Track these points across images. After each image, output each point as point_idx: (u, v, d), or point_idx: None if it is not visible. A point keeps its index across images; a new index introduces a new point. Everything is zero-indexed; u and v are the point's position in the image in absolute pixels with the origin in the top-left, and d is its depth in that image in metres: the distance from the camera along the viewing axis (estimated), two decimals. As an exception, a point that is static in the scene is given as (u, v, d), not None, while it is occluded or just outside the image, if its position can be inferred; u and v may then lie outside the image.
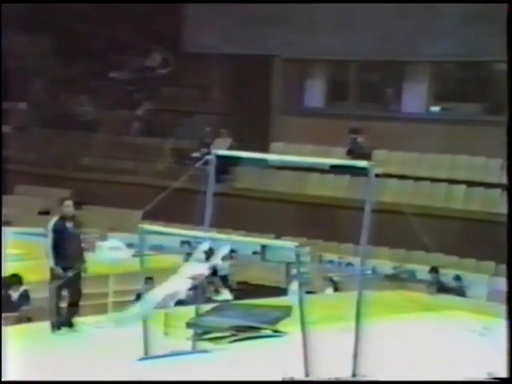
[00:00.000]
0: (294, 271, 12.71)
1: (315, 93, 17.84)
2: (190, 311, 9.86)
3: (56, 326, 10.01)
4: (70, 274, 10.04)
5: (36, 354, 8.69)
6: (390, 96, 17.28)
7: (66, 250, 10.08)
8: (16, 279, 11.53)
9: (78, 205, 11.93)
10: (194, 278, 8.80)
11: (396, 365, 8.76)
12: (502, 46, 15.54)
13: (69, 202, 10.39)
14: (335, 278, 13.53)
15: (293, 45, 17.41)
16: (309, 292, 10.82)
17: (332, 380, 8.25)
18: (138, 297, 11.46)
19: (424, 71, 16.66)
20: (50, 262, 10.07)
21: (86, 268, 10.26)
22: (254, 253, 15.38)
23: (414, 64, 16.73)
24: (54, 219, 10.30)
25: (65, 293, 10.11)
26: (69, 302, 10.14)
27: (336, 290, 13.47)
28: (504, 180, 15.32)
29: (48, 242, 10.10)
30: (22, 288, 11.49)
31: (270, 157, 9.26)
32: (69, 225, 10.22)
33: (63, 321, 10.08)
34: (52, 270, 10.08)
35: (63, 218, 10.24)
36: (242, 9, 17.90)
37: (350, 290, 9.78)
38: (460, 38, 15.85)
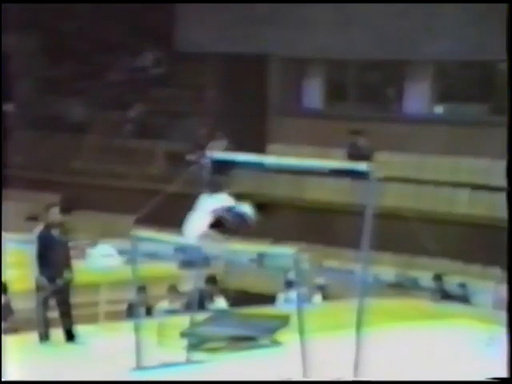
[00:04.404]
0: (292, 278, 12.48)
1: (314, 93, 17.71)
2: (184, 320, 9.70)
3: (44, 337, 9.82)
4: (56, 284, 9.85)
5: (24, 366, 8.60)
6: (391, 96, 17.23)
7: (52, 259, 9.88)
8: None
9: (67, 210, 11.70)
10: (214, 211, 8.32)
11: (398, 373, 8.62)
12: (506, 45, 15.32)
13: (55, 209, 10.15)
14: (323, 284, 13.36)
15: (290, 43, 17.25)
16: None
17: (332, 381, 8.18)
18: (131, 306, 11.26)
19: (426, 71, 16.53)
20: (34, 272, 9.88)
21: (73, 278, 10.04)
22: (251, 260, 15.17)
23: (415, 63, 16.60)
24: (38, 227, 10.07)
25: (53, 303, 9.90)
26: (59, 313, 9.96)
27: (324, 297, 13.27)
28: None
29: (32, 251, 9.90)
30: (5, 298, 11.28)
31: (267, 159, 9.06)
32: (55, 233, 9.99)
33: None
34: (37, 281, 9.88)
35: (49, 226, 10.01)
36: (238, 6, 17.73)
37: (351, 298, 9.50)
38: (463, 37, 15.73)
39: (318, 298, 13.18)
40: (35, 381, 8.25)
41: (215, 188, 8.62)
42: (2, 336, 9.47)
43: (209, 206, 8.54)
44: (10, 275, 11.76)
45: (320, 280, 13.43)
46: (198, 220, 8.49)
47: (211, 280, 12.50)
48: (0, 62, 18.22)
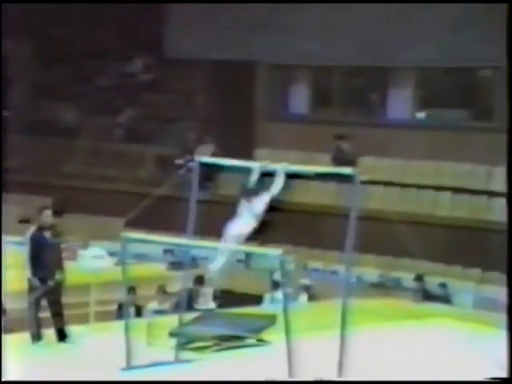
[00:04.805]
0: (278, 279, 12.65)
1: (300, 99, 17.80)
2: (172, 320, 9.78)
3: (36, 337, 9.90)
4: (48, 285, 9.93)
5: (17, 365, 8.64)
6: (376, 102, 17.24)
7: (44, 260, 9.97)
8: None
9: (58, 213, 11.78)
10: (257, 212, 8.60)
11: (381, 372, 8.72)
12: (488, 53, 15.63)
13: (47, 211, 10.25)
14: (308, 285, 13.48)
15: (277, 50, 17.40)
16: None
17: (325, 380, 8.27)
18: (120, 306, 11.37)
19: (409, 77, 16.66)
20: (27, 273, 9.96)
21: (65, 279, 10.13)
22: (238, 261, 15.32)
23: (398, 70, 16.72)
24: (31, 229, 10.18)
25: (44, 303, 9.99)
26: (51, 313, 10.04)
27: (310, 297, 13.41)
28: (491, 187, 15.36)
29: (25, 252, 9.99)
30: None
31: (254, 165, 9.21)
32: (47, 234, 10.10)
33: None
34: (29, 282, 9.98)
35: (41, 228, 10.12)
36: (226, 14, 17.84)
37: (335, 298, 9.69)
38: (445, 44, 15.84)
39: (303, 298, 13.34)
40: (35, 381, 8.28)
41: (252, 194, 8.86)
42: (2, 336, 9.52)
43: (249, 211, 8.69)
44: (2, 276, 11.79)
45: (305, 280, 13.56)
46: (243, 225, 8.70)
47: (199, 281, 12.68)
48: (0, 62, 18.18)
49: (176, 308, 10.64)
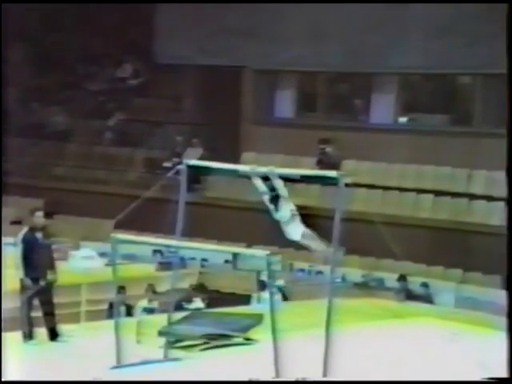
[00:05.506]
0: (264, 279, 12.83)
1: (285, 103, 17.93)
2: (161, 319, 9.93)
3: (28, 336, 10.01)
4: (40, 285, 10.04)
5: (8, 364, 8.68)
6: (359, 107, 17.32)
7: (36, 260, 10.07)
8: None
9: (50, 214, 11.89)
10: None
11: (366, 371, 8.86)
12: (468, 60, 15.91)
13: (39, 213, 10.34)
14: (282, 285, 13.57)
15: (263, 56, 17.54)
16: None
17: (310, 380, 8.36)
18: (111, 306, 11.53)
19: (392, 83, 16.81)
20: (19, 273, 10.06)
21: (57, 278, 10.24)
22: (226, 261, 15.48)
23: (382, 76, 16.88)
24: (23, 230, 10.28)
25: (36, 303, 10.10)
26: (43, 312, 10.14)
27: (285, 298, 13.53)
28: (471, 189, 15.63)
29: (18, 253, 10.09)
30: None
31: (241, 168, 9.38)
32: (39, 235, 10.20)
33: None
34: (22, 281, 10.08)
35: (33, 229, 10.22)
36: (214, 20, 17.99)
37: (320, 298, 9.88)
38: (427, 51, 16.00)
39: (277, 298, 13.44)
40: (35, 381, 8.31)
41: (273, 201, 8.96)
42: (2, 336, 9.56)
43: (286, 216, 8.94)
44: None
45: (279, 282, 13.54)
46: (298, 224, 8.95)
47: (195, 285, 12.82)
48: (0, 64, 18.22)
49: (165, 307, 10.72)
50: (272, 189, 9.03)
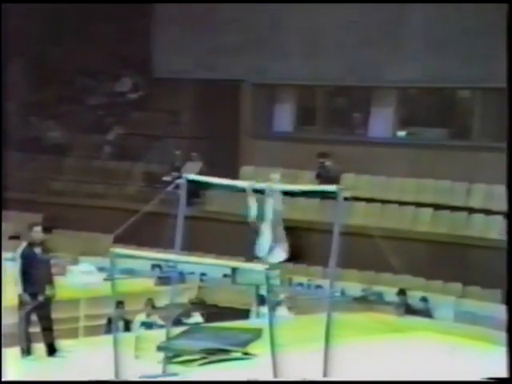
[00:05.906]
0: (263, 294, 12.80)
1: (284, 117, 18.00)
2: (160, 334, 9.93)
3: (26, 352, 10.01)
4: (38, 300, 10.05)
5: (7, 379, 8.74)
6: (358, 121, 17.39)
7: (35, 276, 10.08)
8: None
9: (48, 229, 11.88)
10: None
11: None
12: (467, 74, 15.97)
13: (38, 228, 10.35)
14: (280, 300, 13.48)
15: (262, 70, 17.60)
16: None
17: (320, 380, 8.40)
18: (109, 321, 11.51)
19: (390, 97, 16.88)
20: (18, 288, 10.06)
21: (55, 293, 10.24)
22: (225, 275, 15.51)
23: (380, 90, 16.94)
24: (22, 245, 10.28)
25: (34, 318, 10.10)
26: (41, 327, 10.13)
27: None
28: (470, 203, 15.65)
29: (16, 268, 10.09)
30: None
31: (240, 183, 9.39)
32: (37, 250, 10.22)
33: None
34: (20, 297, 10.09)
35: (32, 244, 10.23)
36: (212, 34, 18.06)
37: (319, 313, 9.87)
38: (426, 65, 16.07)
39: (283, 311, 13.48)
40: (35, 381, 8.37)
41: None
42: (2, 337, 9.59)
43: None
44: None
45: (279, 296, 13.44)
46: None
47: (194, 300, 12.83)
48: (0, 65, 18.21)
49: (164, 322, 10.71)
50: (261, 213, 9.02)
